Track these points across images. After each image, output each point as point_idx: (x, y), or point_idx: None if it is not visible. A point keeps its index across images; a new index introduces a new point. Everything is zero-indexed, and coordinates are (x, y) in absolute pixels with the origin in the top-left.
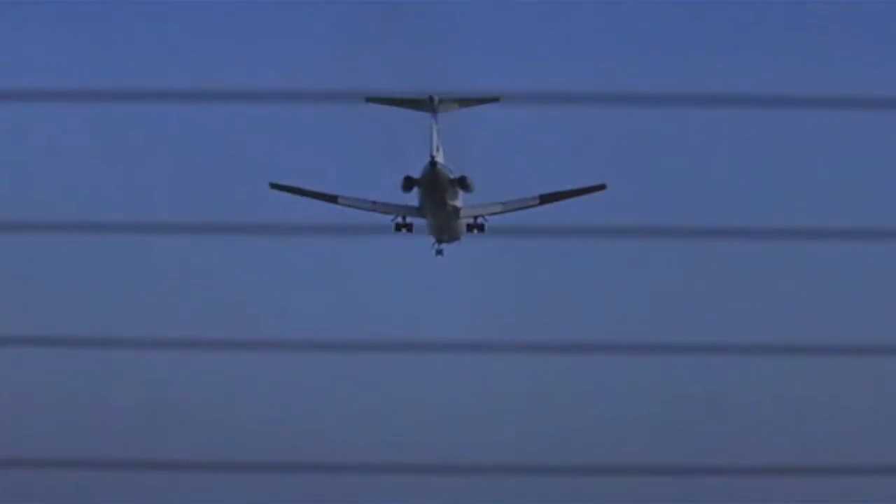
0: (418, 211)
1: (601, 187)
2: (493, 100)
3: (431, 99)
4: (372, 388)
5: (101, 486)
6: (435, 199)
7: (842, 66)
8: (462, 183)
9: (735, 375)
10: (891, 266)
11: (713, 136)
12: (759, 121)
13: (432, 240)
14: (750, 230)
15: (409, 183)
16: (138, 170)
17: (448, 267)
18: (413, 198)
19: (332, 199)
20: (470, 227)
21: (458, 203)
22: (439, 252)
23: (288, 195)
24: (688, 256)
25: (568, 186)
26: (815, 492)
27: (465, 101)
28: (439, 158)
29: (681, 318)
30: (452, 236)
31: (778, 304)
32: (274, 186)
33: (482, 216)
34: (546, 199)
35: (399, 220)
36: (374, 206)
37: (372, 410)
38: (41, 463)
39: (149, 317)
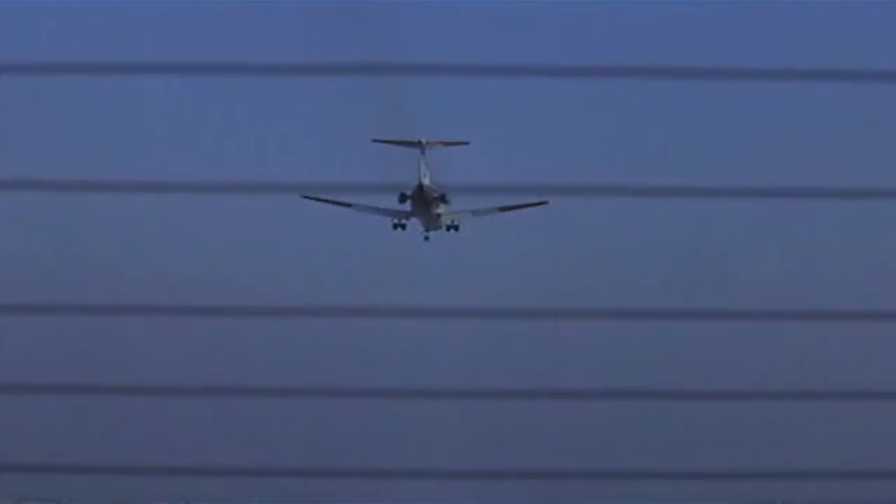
0: (410, 215)
1: (544, 203)
2: (465, 143)
3: (420, 142)
4: None
5: None
6: (422, 209)
7: None
8: (443, 199)
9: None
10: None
11: None
12: None
13: (422, 229)
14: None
15: (403, 198)
16: None
17: None
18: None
19: (348, 205)
20: (448, 227)
21: (440, 211)
22: (426, 238)
23: None
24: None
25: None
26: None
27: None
28: (426, 182)
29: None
30: (435, 228)
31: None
32: (304, 197)
33: (456, 220)
34: (504, 209)
35: (396, 221)
36: (380, 211)
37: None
38: None
39: None
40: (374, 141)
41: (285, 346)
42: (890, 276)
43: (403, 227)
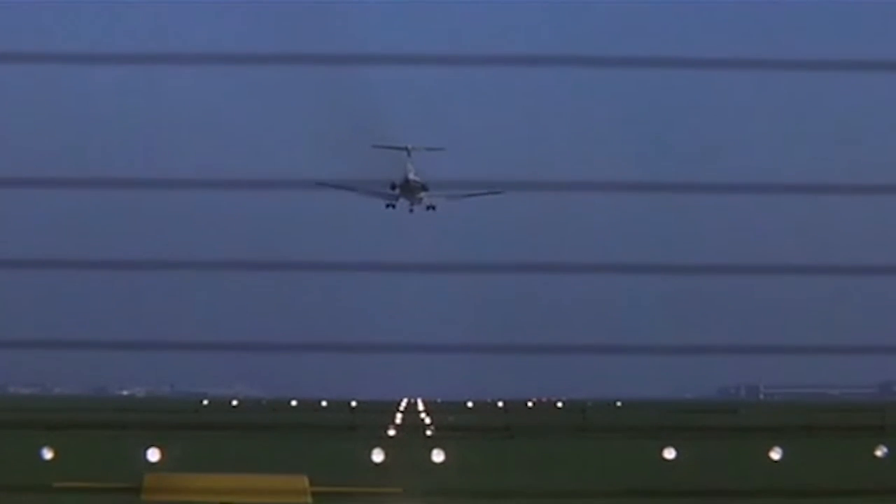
0: (399, 197)
1: (498, 192)
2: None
3: (407, 147)
4: None
5: None
6: (408, 194)
7: None
8: (423, 188)
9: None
10: None
11: None
12: None
13: (408, 204)
14: None
15: (393, 186)
16: None
17: None
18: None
19: (353, 188)
20: (427, 207)
21: (422, 195)
22: (411, 211)
23: None
24: None
25: None
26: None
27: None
28: (411, 175)
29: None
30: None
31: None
32: (320, 184)
33: (434, 203)
34: (469, 195)
35: (388, 202)
36: (377, 195)
37: None
38: None
39: None
40: (375, 146)
41: (288, 221)
42: (887, 148)
43: (394, 206)
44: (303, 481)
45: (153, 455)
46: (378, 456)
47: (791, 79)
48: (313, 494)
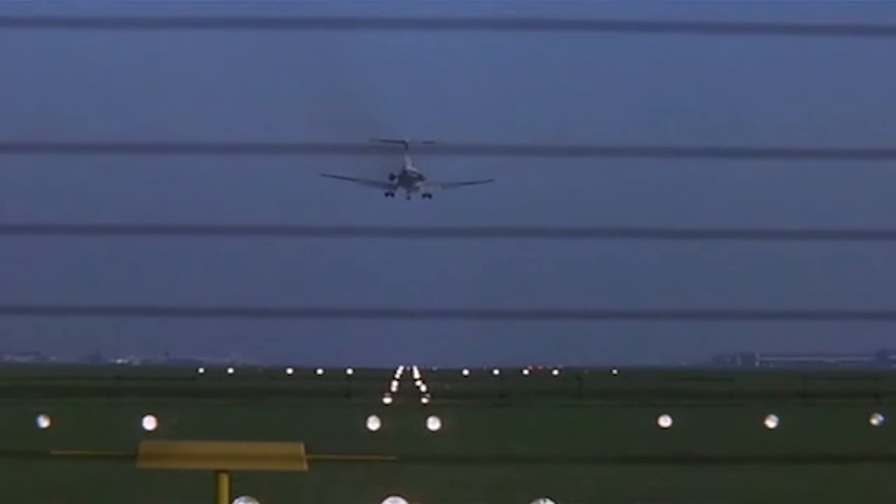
0: (398, 186)
1: (489, 181)
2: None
3: (405, 141)
4: None
5: None
6: (406, 184)
7: None
8: (420, 178)
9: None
10: None
11: None
12: None
13: (405, 192)
14: None
15: (392, 177)
16: None
17: None
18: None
19: (355, 179)
20: (423, 195)
21: (418, 185)
22: (408, 198)
23: None
24: None
25: None
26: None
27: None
28: (409, 167)
29: None
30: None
31: None
32: (323, 175)
33: (430, 191)
34: (463, 184)
35: (387, 191)
36: (377, 185)
37: None
38: None
39: None
40: (373, 140)
41: (278, 185)
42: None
43: (392, 194)
44: (298, 448)
45: (149, 423)
46: (374, 424)
47: (802, 43)
48: (309, 462)
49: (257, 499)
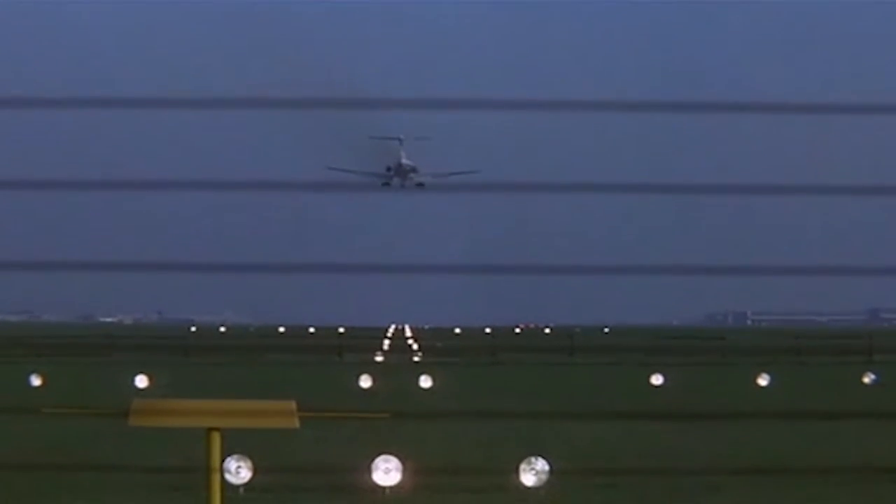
0: (394, 177)
1: (475, 171)
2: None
3: (399, 137)
4: None
5: None
6: (401, 175)
7: None
8: (414, 170)
9: None
10: None
11: None
12: None
13: (401, 182)
14: None
15: (388, 168)
16: None
17: None
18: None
19: (355, 171)
20: (417, 184)
21: (412, 175)
22: (402, 186)
23: None
24: None
25: None
26: None
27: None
28: (403, 160)
29: None
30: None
31: None
32: (329, 168)
33: (423, 181)
34: (453, 174)
35: (384, 181)
36: (374, 175)
37: None
38: None
39: None
40: (371, 138)
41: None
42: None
43: (389, 184)
44: (290, 405)
45: (141, 381)
46: (366, 382)
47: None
48: (301, 419)
49: (249, 458)
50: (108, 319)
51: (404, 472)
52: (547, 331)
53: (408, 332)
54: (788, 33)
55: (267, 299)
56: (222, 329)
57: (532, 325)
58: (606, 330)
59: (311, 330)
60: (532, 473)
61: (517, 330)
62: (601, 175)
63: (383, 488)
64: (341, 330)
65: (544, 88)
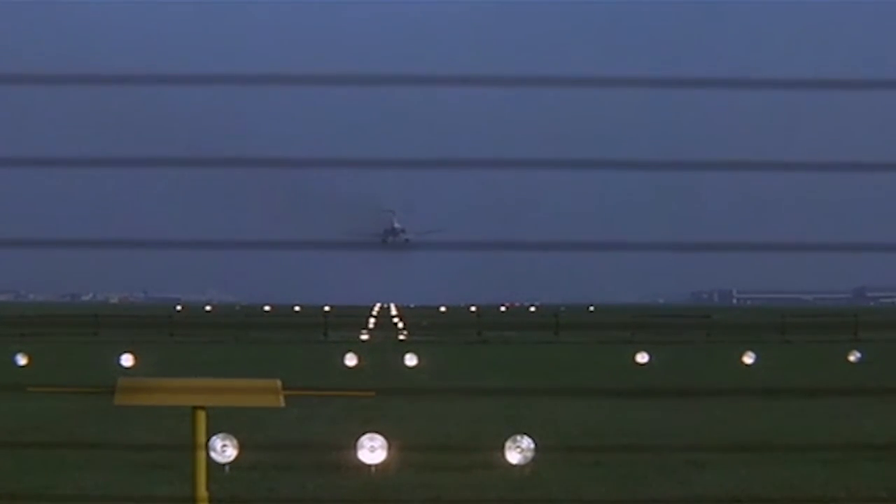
0: (388, 237)
1: (441, 230)
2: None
3: (392, 210)
4: None
5: None
6: (393, 235)
7: None
8: (403, 231)
9: None
10: None
11: None
12: None
13: (393, 240)
14: None
15: (385, 232)
16: None
17: None
18: None
19: (360, 235)
20: (405, 240)
21: (401, 235)
22: (393, 242)
23: None
24: None
25: None
26: None
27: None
28: (396, 225)
29: None
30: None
31: None
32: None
33: (410, 238)
34: (430, 232)
35: (382, 238)
36: (375, 235)
37: None
38: None
39: None
40: (375, 210)
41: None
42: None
43: (386, 241)
44: (276, 384)
45: (126, 360)
46: (351, 360)
47: None
48: (286, 398)
49: (234, 436)
50: (94, 297)
51: (390, 450)
52: (532, 309)
53: (393, 311)
54: (778, 10)
55: (252, 279)
56: (208, 308)
57: (517, 304)
58: (592, 308)
59: (297, 308)
60: (517, 451)
61: (502, 308)
62: (586, 152)
63: (370, 466)
64: (326, 308)
65: (527, 64)
